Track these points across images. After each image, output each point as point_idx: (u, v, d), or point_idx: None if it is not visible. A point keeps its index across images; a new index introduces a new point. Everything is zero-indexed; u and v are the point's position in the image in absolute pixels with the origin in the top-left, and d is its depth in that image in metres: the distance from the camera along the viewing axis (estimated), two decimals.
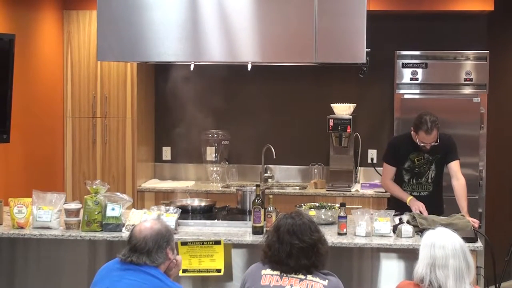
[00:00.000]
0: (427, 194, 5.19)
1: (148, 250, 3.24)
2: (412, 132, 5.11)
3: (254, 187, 4.69)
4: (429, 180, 5.18)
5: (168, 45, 4.86)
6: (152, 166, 6.96)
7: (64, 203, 4.58)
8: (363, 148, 6.63)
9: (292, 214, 3.43)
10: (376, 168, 6.58)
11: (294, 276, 3.29)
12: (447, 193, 5.30)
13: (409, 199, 5.04)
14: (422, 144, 5.02)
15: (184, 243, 4.34)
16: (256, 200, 4.47)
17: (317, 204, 4.99)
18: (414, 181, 5.19)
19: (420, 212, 4.81)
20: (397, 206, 5.06)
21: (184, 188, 6.45)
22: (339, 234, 4.44)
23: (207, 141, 6.66)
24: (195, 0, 4.83)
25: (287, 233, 3.33)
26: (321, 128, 6.42)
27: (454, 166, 5.11)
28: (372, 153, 6.68)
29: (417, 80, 6.28)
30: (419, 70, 6.27)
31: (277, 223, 3.43)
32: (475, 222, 4.66)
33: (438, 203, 5.23)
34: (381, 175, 5.70)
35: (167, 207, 4.60)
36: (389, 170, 5.22)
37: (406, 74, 6.29)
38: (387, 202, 5.89)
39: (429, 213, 4.76)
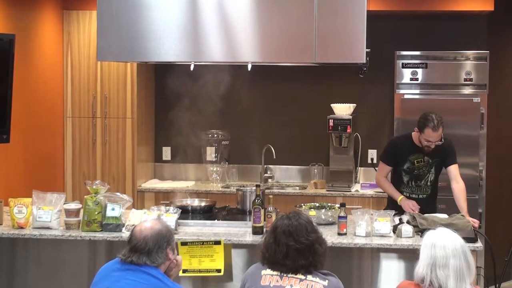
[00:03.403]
0: (426, 196, 5.21)
1: (149, 250, 3.24)
2: (414, 133, 5.11)
3: (254, 187, 4.69)
4: (428, 183, 5.19)
5: (168, 45, 4.86)
6: (152, 166, 6.97)
7: (64, 203, 4.58)
8: (363, 148, 6.63)
9: (289, 214, 3.43)
10: (376, 168, 6.58)
11: (294, 276, 3.29)
12: (447, 193, 5.30)
13: (400, 198, 5.08)
14: (426, 142, 5.00)
15: (184, 243, 4.34)
16: (256, 200, 4.47)
17: (317, 204, 4.99)
18: (413, 183, 5.19)
19: (412, 210, 4.83)
20: (396, 206, 5.06)
21: (184, 188, 6.45)
22: (339, 234, 4.44)
23: (207, 141, 6.66)
24: (195, 0, 4.82)
25: (283, 234, 3.33)
26: (321, 128, 6.42)
27: (454, 170, 5.12)
28: (372, 153, 6.68)
29: (417, 80, 6.28)
30: (419, 70, 6.27)
31: (274, 224, 3.43)
32: (475, 222, 4.66)
33: (434, 205, 5.25)
34: None
35: (167, 207, 4.60)
36: (384, 169, 5.26)
37: (406, 74, 6.29)
38: (386, 201, 5.89)
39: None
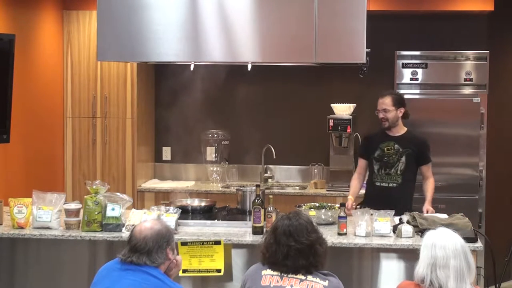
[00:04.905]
0: (396, 185, 5.24)
1: (148, 250, 3.24)
2: None
3: (254, 187, 4.69)
4: (398, 172, 5.24)
5: (168, 45, 4.86)
6: (152, 166, 6.96)
7: (64, 203, 4.57)
8: None
9: (289, 214, 3.44)
10: None
11: (294, 276, 3.29)
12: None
13: (348, 197, 5.24)
14: (377, 111, 5.28)
15: (184, 243, 4.34)
16: (256, 200, 4.47)
17: (317, 204, 4.99)
18: (383, 171, 5.27)
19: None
20: (371, 203, 5.04)
21: (184, 188, 6.45)
22: (339, 234, 4.44)
23: (207, 141, 6.66)
24: (195, 0, 4.82)
25: (284, 234, 3.34)
26: (321, 128, 6.42)
27: (426, 171, 5.28)
28: None
29: (417, 80, 6.28)
30: (419, 70, 6.27)
31: (275, 224, 3.44)
32: (431, 211, 4.93)
33: (407, 198, 5.25)
34: None
35: (167, 207, 4.60)
36: (360, 164, 5.42)
37: (406, 74, 6.29)
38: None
39: (395, 207, 4.69)
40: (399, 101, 5.26)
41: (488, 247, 4.72)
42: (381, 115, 5.26)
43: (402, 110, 5.26)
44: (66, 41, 6.53)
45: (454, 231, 3.33)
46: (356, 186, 5.37)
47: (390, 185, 5.24)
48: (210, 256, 4.34)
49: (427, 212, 4.94)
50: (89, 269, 4.52)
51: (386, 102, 5.24)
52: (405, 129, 5.31)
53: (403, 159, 5.21)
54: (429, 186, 5.23)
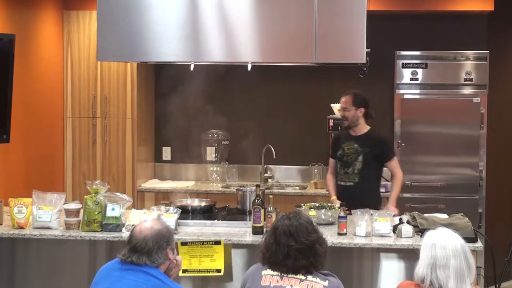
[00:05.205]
0: (353, 184, 5.31)
1: (149, 250, 3.24)
2: None
3: (254, 187, 4.69)
4: (356, 171, 5.30)
5: (168, 45, 4.86)
6: (152, 166, 6.97)
7: (64, 203, 4.57)
8: None
9: (289, 214, 3.44)
10: None
11: (294, 276, 3.29)
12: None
13: (331, 199, 5.29)
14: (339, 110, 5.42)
15: (184, 243, 4.34)
16: (256, 200, 4.47)
17: (317, 204, 4.99)
18: (343, 170, 5.37)
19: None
20: (343, 198, 5.04)
21: (184, 188, 6.45)
22: (339, 234, 4.44)
23: (207, 141, 6.67)
24: (195, 0, 4.82)
25: (284, 234, 3.34)
26: (321, 128, 6.42)
27: (390, 166, 5.36)
28: None
29: (417, 80, 6.28)
30: (419, 70, 6.27)
31: (275, 224, 3.44)
32: (395, 212, 4.92)
33: (367, 197, 5.20)
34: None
35: (167, 207, 4.60)
36: (330, 163, 5.52)
37: (406, 74, 6.29)
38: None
39: (356, 206, 4.59)
40: (360, 101, 5.33)
41: (488, 247, 4.71)
42: (341, 114, 5.38)
43: (363, 110, 5.33)
44: (66, 41, 6.53)
45: (454, 231, 3.33)
46: (333, 186, 5.45)
47: (348, 184, 5.33)
48: (210, 256, 4.34)
49: None
50: (89, 269, 4.52)
51: (346, 101, 5.34)
52: (368, 128, 5.38)
53: (360, 158, 5.29)
54: (394, 184, 5.31)
